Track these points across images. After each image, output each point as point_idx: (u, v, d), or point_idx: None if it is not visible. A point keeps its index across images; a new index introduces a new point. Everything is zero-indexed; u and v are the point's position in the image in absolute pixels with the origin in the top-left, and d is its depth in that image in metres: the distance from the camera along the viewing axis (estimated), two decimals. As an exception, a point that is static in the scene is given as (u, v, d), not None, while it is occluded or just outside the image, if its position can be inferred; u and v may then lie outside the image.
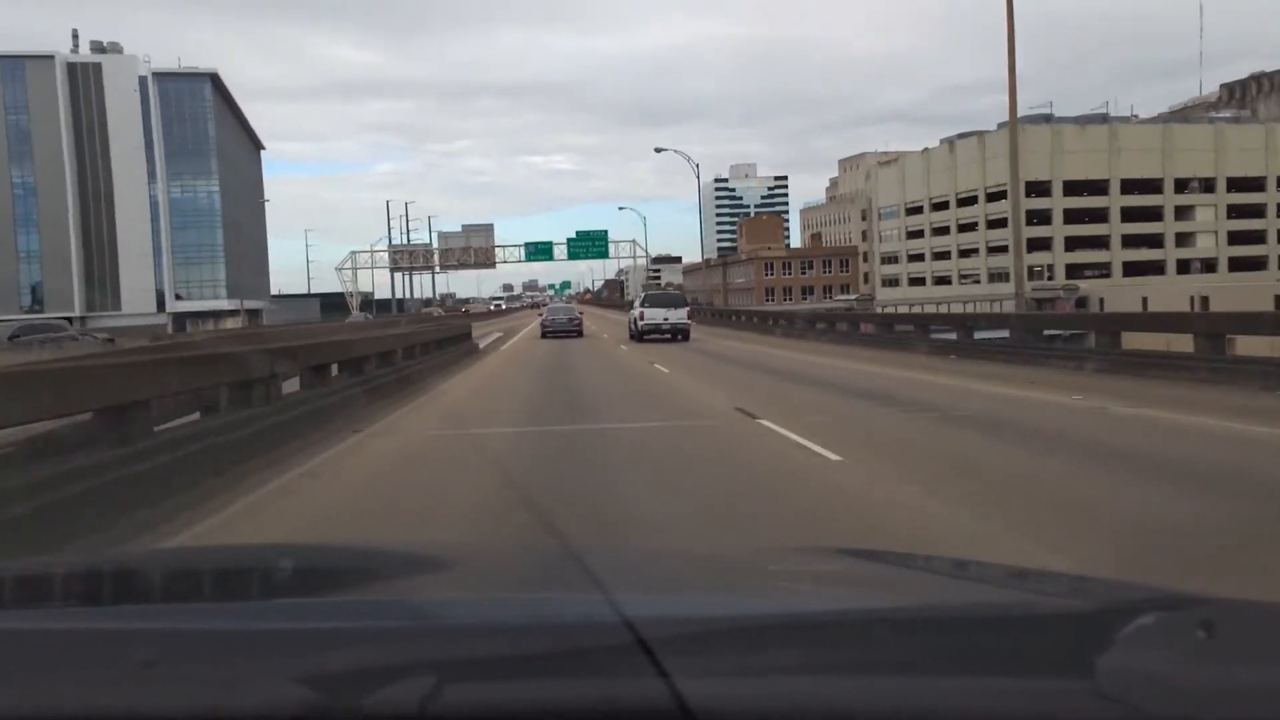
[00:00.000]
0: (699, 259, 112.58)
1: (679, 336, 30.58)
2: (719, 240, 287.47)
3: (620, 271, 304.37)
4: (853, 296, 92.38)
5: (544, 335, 35.90)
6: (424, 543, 3.46)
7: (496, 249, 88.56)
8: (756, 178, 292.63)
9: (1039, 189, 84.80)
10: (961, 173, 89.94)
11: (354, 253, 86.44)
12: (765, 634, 0.98)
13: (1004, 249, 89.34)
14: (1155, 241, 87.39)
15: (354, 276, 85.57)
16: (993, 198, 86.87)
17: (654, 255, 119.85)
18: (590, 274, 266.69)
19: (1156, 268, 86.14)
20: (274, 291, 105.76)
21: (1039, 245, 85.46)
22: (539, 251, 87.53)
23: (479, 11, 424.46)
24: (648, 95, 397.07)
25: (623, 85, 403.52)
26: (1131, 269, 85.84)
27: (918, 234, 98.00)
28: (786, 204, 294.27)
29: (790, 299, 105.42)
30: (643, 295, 37.09)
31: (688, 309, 32.87)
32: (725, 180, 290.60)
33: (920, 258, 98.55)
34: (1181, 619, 0.99)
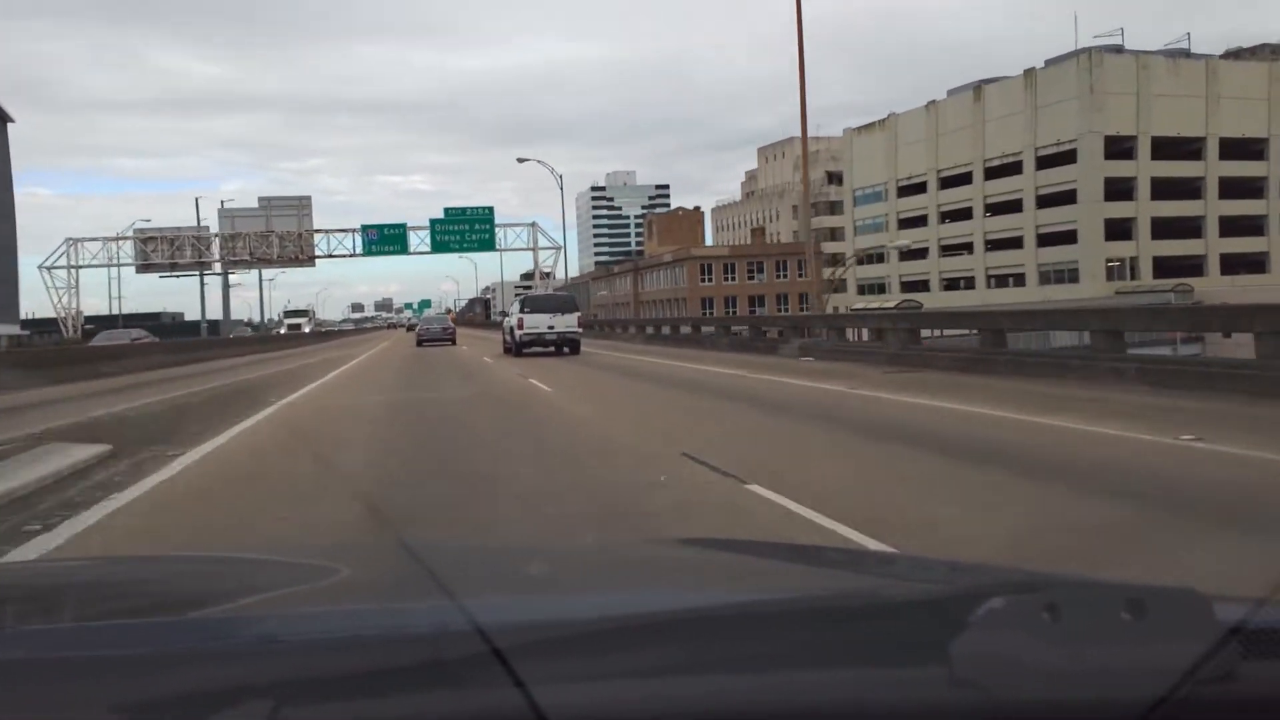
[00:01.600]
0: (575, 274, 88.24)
1: (566, 349, 25.16)
2: (596, 255, 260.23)
3: (486, 289, 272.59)
4: (888, 304, 63.80)
5: (420, 344, 38.13)
6: (256, 552, 3.07)
7: (317, 236, 56.68)
8: (636, 186, 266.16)
9: (1120, 148, 59.31)
10: (994, 130, 63.88)
11: (72, 242, 52.88)
12: (622, 635, 0.94)
13: (1062, 237, 64.15)
14: (1255, 227, 63.48)
15: (72, 279, 52.01)
16: (1046, 162, 60.94)
17: (522, 272, 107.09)
18: (458, 289, 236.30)
19: (1257, 264, 62.15)
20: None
21: (1118, 232, 59.80)
22: (386, 240, 56.20)
23: (336, 26, 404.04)
24: (512, 115, 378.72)
25: (486, 105, 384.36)
26: (1228, 264, 61.56)
27: (917, 220, 71.59)
28: (668, 208, 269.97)
29: (731, 309, 77.44)
30: (520, 299, 28.30)
31: (578, 315, 26.42)
32: (603, 189, 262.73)
33: (920, 254, 72.09)
34: (1028, 602, 1.00)
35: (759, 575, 1.60)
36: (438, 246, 56.05)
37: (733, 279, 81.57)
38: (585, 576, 1.63)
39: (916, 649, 0.91)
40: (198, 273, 59.57)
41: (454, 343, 38.03)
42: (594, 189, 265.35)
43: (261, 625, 1.17)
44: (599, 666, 0.88)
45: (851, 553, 3.15)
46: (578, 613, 1.16)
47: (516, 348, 25.61)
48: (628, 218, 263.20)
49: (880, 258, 76.09)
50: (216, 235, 56.10)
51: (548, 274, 61.89)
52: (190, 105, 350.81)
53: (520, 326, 25.71)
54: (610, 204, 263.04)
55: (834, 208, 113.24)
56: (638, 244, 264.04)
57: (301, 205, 56.77)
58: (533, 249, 59.87)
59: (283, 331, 63.40)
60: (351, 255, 55.99)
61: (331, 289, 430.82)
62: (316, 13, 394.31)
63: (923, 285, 71.20)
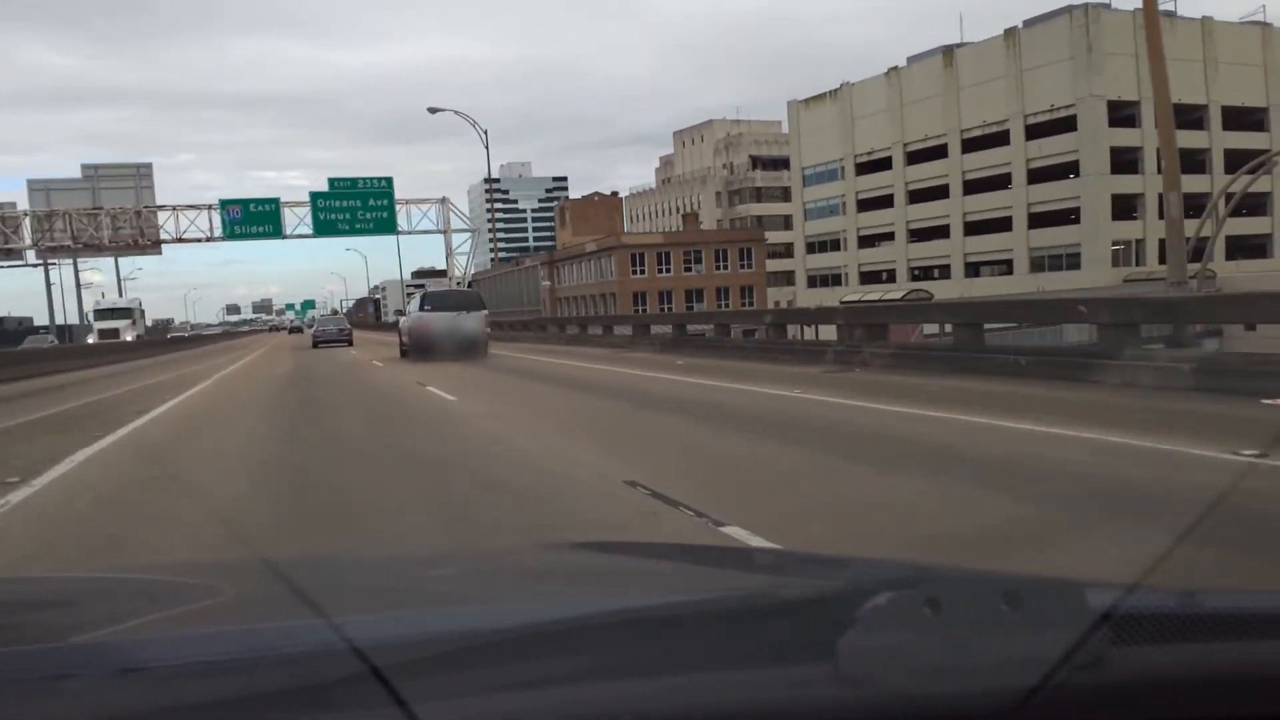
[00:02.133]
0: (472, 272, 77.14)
1: (474, 351, 21.56)
2: (491, 251, 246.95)
3: (374, 289, 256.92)
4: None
5: (315, 345, 37.17)
6: (108, 571, 2.97)
7: (162, 215, 44.29)
8: (532, 178, 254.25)
9: (1120, 115, 51.86)
10: (972, 97, 55.77)
11: None
12: (508, 646, 0.92)
13: (1059, 217, 55.76)
14: (1259, 205, 57.10)
15: None
16: (1038, 131, 53.12)
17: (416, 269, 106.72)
18: (345, 288, 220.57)
19: (1258, 248, 55.78)
20: None
21: (1121, 211, 52.36)
22: (254, 220, 44.19)
23: (206, 19, 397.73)
24: (393, 112, 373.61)
25: (369, 101, 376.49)
26: (1232, 248, 54.91)
27: (880, 201, 63.16)
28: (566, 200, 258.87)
29: (666, 305, 67.76)
30: (419, 295, 25.23)
31: (485, 313, 23.28)
32: (497, 181, 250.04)
33: (885, 238, 63.66)
34: (910, 597, 1.02)
35: (647, 579, 1.58)
36: (322, 228, 44.26)
37: (667, 270, 71.73)
38: (468, 586, 1.56)
39: (804, 647, 0.91)
40: (21, 263, 46.59)
41: (350, 344, 37.30)
42: (487, 181, 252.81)
43: (117, 651, 1.07)
44: (484, 680, 0.85)
45: (741, 551, 3.17)
46: (460, 625, 1.12)
47: (415, 350, 22.31)
48: (524, 211, 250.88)
49: (835, 244, 67.48)
50: (28, 214, 43.10)
51: (464, 260, 50.95)
52: (49, 100, 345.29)
53: (419, 327, 22.41)
54: (506, 197, 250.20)
55: (760, 194, 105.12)
56: (536, 239, 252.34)
57: (141, 175, 44.23)
58: (444, 231, 48.67)
59: (92, 340, 45.19)
60: (207, 239, 43.70)
61: (206, 290, 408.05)
62: (185, 4, 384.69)
63: (887, 275, 62.82)
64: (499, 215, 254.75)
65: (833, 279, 67.17)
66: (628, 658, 0.92)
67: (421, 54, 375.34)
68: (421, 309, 22.97)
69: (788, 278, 74.39)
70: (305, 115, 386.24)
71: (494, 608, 1.32)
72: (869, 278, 63.91)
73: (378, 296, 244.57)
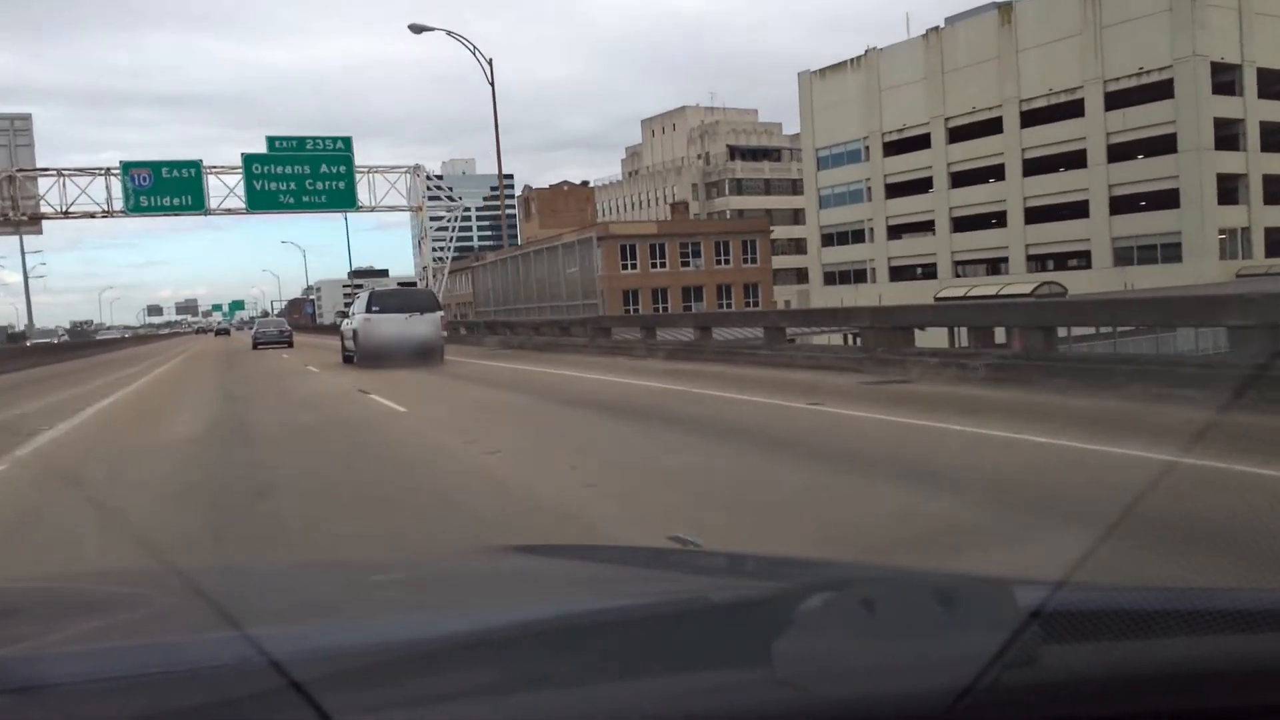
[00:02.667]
0: (411, 274, 71.87)
1: (429, 357, 19.05)
2: (435, 252, 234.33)
3: (308, 289, 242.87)
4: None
5: (255, 346, 37.73)
6: (3, 580, 2.71)
7: (44, 182, 33.59)
8: (476, 175, 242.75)
9: (1220, 80, 44.01)
10: (1035, 61, 47.45)
11: None
12: (436, 657, 0.90)
13: (1152, 200, 43.59)
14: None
15: None
16: (1120, 100, 45.02)
17: (352, 269, 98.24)
18: (279, 287, 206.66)
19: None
20: None
21: (1225, 194, 44.43)
22: (168, 189, 33.68)
23: (126, 14, 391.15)
24: (321, 110, 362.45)
25: (297, 100, 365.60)
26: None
27: (915, 185, 54.64)
28: (514, 203, 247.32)
29: (662, 304, 58.62)
30: (364, 295, 22.01)
31: (440, 314, 20.66)
32: (439, 179, 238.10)
33: (921, 228, 55.14)
34: (845, 598, 1.03)
35: (579, 583, 1.56)
36: (259, 200, 33.83)
37: (661, 264, 62.33)
38: (396, 593, 1.50)
39: (739, 651, 0.91)
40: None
41: (290, 344, 38.24)
42: (429, 179, 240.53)
43: (14, 667, 1.00)
44: (410, 692, 0.83)
45: (674, 554, 3.04)
46: (386, 635, 1.08)
47: (361, 356, 19.43)
48: (469, 210, 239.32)
49: (858, 235, 58.80)
50: None
51: (441, 247, 41.39)
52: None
53: (364, 331, 19.40)
54: (449, 195, 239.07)
55: (741, 186, 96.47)
56: (482, 238, 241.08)
57: (17, 130, 33.41)
58: (415, 209, 38.72)
59: None
60: (104, 214, 32.98)
61: (129, 291, 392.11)
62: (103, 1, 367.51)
63: (923, 270, 54.33)
64: (440, 213, 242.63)
65: (855, 274, 58.48)
66: (559, 666, 0.90)
67: (346, 52, 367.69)
68: (369, 310, 19.88)
69: (798, 274, 65.66)
70: (232, 113, 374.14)
71: (421, 616, 1.28)
72: (901, 273, 55.38)
73: (312, 298, 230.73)
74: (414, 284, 47.67)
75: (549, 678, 0.87)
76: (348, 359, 20.98)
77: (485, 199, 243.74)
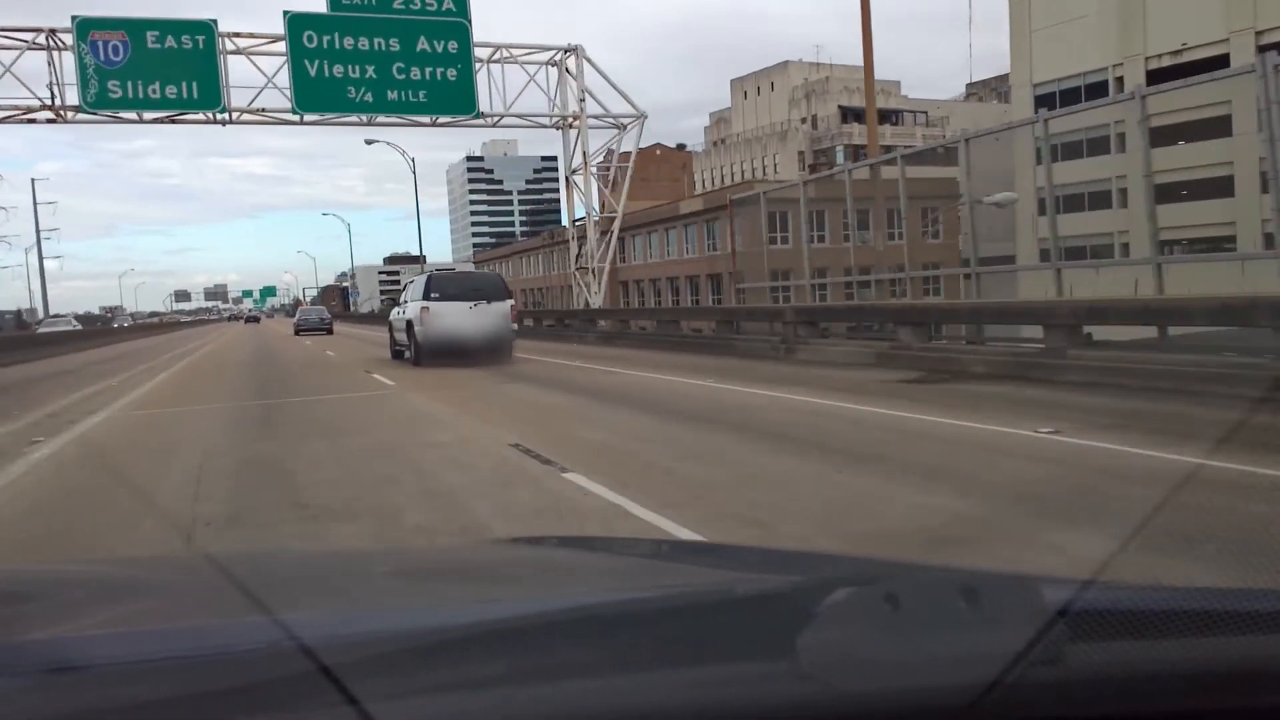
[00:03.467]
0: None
1: (499, 354, 16.56)
2: (475, 238, 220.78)
3: (343, 276, 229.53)
4: None
5: (297, 332, 40.73)
6: (38, 565, 2.74)
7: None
8: (519, 157, 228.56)
9: None
10: None
11: None
12: (462, 644, 0.91)
13: None
14: None
15: None
16: None
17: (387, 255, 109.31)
18: (314, 273, 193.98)
19: None
20: None
21: None
22: (154, 72, 18.95)
23: None
24: None
25: None
26: None
27: (1196, 129, 39.58)
28: (557, 187, 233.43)
29: (820, 294, 43.90)
30: (424, 278, 18.12)
31: (511, 303, 17.55)
32: (480, 160, 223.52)
33: (1206, 186, 40.13)
34: (869, 593, 1.03)
35: (601, 575, 1.57)
36: (313, 97, 19.50)
37: (821, 237, 47.69)
38: (418, 583, 1.53)
39: (762, 644, 0.90)
40: None
41: (330, 332, 40.11)
42: (470, 160, 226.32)
43: (49, 649, 1.02)
44: (438, 679, 0.84)
45: (697, 546, 3.04)
46: (412, 623, 1.10)
47: (418, 352, 16.45)
48: (510, 193, 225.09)
49: (1100, 199, 43.79)
50: None
51: (604, 165, 27.45)
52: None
53: (423, 321, 16.39)
54: (490, 178, 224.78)
55: (858, 154, 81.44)
56: (524, 225, 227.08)
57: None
58: (569, 121, 24.27)
59: None
60: (48, 111, 18.80)
61: (161, 279, 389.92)
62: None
63: (1208, 244, 39.33)
64: (482, 197, 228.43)
65: (1092, 251, 43.52)
66: (582, 656, 0.91)
67: None
68: (427, 298, 16.67)
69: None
70: (266, 98, 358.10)
71: (446, 605, 1.30)
72: (1167, 248, 40.40)
73: (346, 285, 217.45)
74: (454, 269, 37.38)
75: (570, 668, 0.87)
76: (398, 354, 18.42)
77: (528, 181, 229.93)
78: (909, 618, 0.93)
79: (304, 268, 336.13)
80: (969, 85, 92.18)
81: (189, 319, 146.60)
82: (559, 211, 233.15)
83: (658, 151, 79.27)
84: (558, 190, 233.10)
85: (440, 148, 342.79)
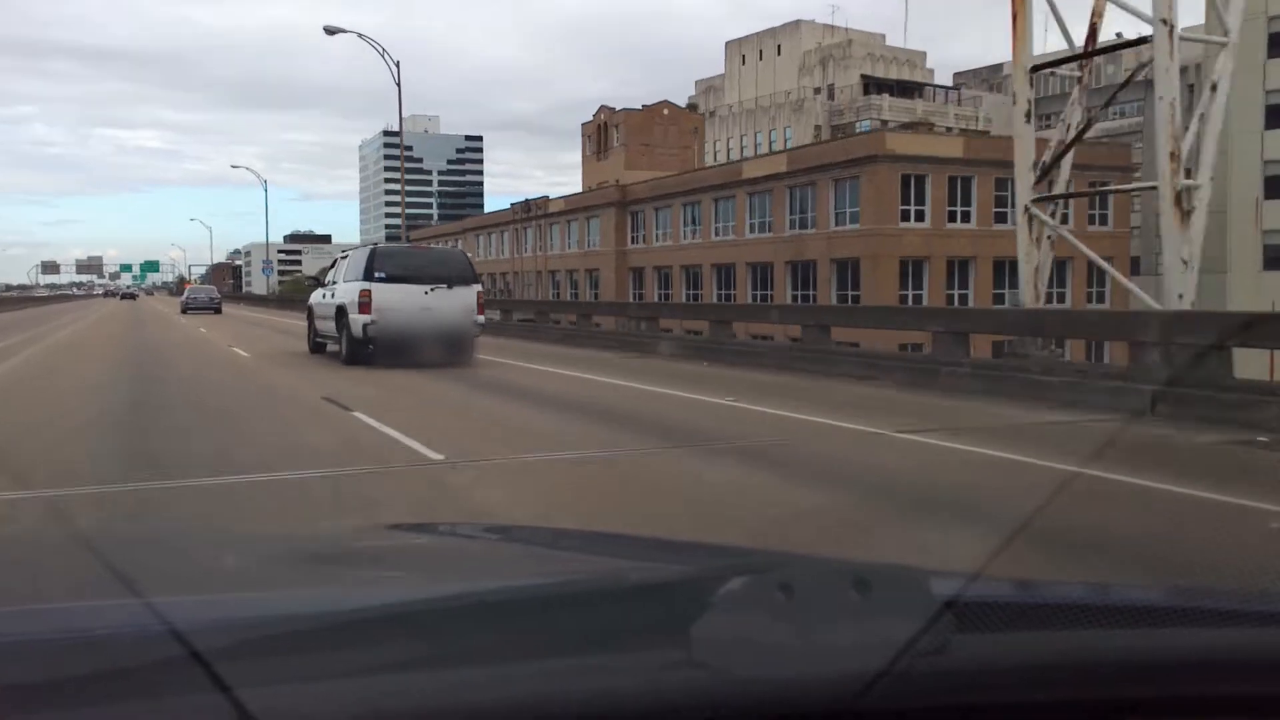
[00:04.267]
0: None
1: (458, 353, 14.06)
2: (388, 220, 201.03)
3: (235, 253, 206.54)
4: None
5: (184, 311, 41.40)
6: None
7: None
8: (441, 136, 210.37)
9: None
10: None
11: None
12: (339, 630, 0.89)
13: None
14: None
15: None
16: None
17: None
18: (199, 251, 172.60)
19: None
20: None
21: None
22: None
23: None
24: (256, 76, 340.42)
25: (228, 62, 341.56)
26: None
27: None
28: (481, 170, 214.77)
29: (914, 289, 30.86)
30: (364, 252, 14.83)
31: (478, 288, 14.39)
32: (394, 135, 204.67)
33: None
34: (764, 581, 1.05)
35: (491, 562, 1.54)
36: None
37: (921, 207, 33.81)
38: (297, 566, 1.45)
39: (656, 632, 0.91)
40: None
41: (219, 311, 41.49)
42: (387, 134, 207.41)
43: None
44: (314, 666, 0.82)
45: (590, 535, 2.76)
46: (288, 608, 1.07)
47: (352, 348, 13.56)
48: (430, 173, 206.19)
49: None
50: None
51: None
52: None
53: (359, 306, 13.35)
54: (409, 156, 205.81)
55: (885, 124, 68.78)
56: (444, 208, 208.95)
57: None
58: None
59: None
60: None
61: (37, 250, 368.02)
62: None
63: None
64: (397, 178, 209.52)
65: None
66: (469, 644, 0.88)
67: (284, 16, 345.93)
68: (369, 277, 13.44)
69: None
70: (159, 72, 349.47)
71: (327, 589, 1.24)
72: None
73: (239, 263, 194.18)
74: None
75: (456, 656, 0.85)
76: (318, 347, 15.55)
77: (450, 161, 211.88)
78: (802, 607, 0.94)
79: (194, 242, 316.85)
80: (957, 75, 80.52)
81: (45, 293, 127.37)
82: (481, 195, 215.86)
83: (665, 111, 64.48)
84: (481, 172, 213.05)
85: (352, 130, 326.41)
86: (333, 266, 16.52)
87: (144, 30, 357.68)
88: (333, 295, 14.84)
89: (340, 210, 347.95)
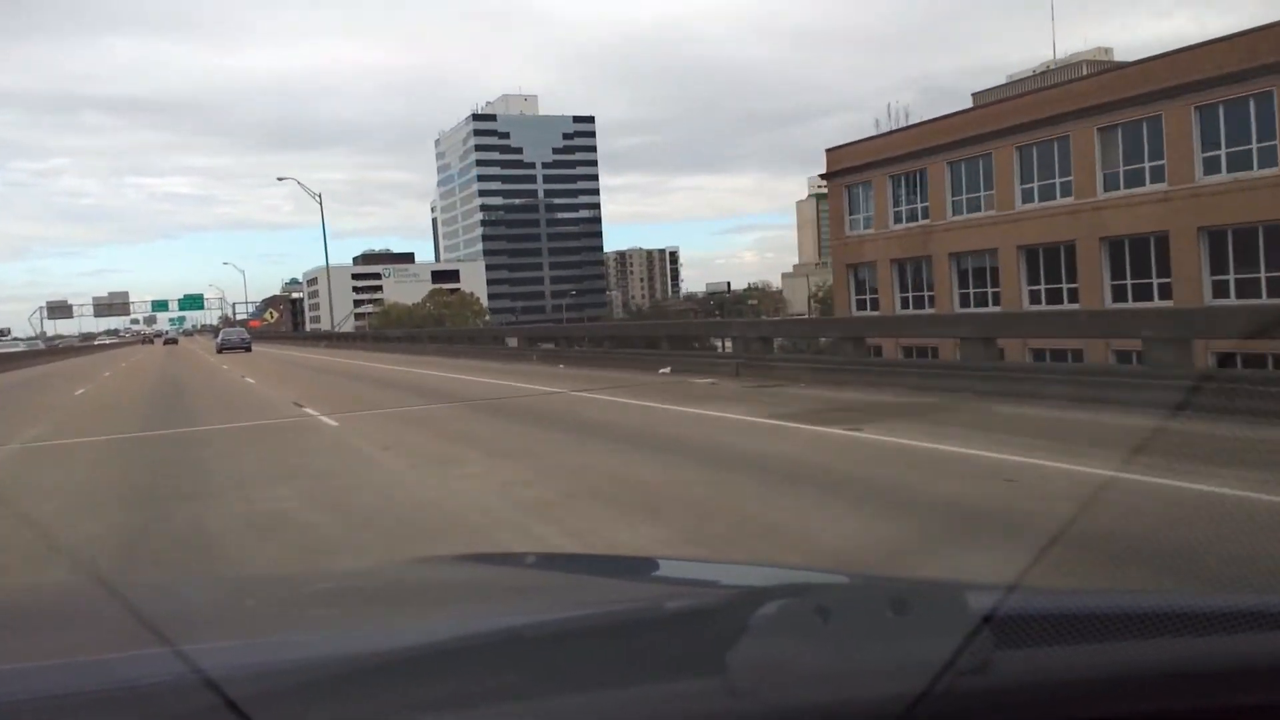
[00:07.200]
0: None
1: None
2: (484, 226, 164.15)
3: (293, 283, 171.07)
4: None
5: (219, 351, 47.72)
6: None
7: None
8: (540, 118, 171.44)
9: None
10: None
11: None
12: (372, 673, 0.88)
13: None
14: None
15: None
16: None
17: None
18: (236, 292, 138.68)
19: None
20: None
21: None
22: None
23: (84, 16, 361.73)
24: (281, 118, 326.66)
25: (255, 107, 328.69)
26: None
27: None
28: (595, 157, 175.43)
29: None
30: None
31: None
32: (490, 120, 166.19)
33: None
34: (799, 605, 1.04)
35: (527, 593, 1.52)
36: None
37: None
38: (329, 608, 1.44)
39: (693, 660, 0.89)
40: None
41: (249, 350, 47.73)
42: (477, 119, 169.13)
43: None
44: (348, 711, 0.81)
45: (626, 560, 2.82)
46: (320, 650, 1.05)
47: None
48: (533, 165, 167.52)
49: None
50: None
51: None
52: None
53: None
54: (503, 143, 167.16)
55: None
56: (549, 208, 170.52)
57: None
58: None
59: None
60: None
61: (72, 300, 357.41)
62: (57, 3, 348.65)
63: None
64: (493, 166, 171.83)
65: None
66: (508, 678, 0.88)
67: (309, 60, 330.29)
68: None
69: None
70: (189, 120, 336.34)
71: (359, 630, 1.24)
72: None
73: (297, 295, 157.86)
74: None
75: (495, 693, 0.84)
76: None
77: (555, 150, 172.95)
78: (839, 629, 0.93)
79: (230, 284, 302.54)
80: None
81: (41, 345, 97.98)
82: (596, 187, 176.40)
83: None
84: (595, 162, 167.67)
85: (373, 167, 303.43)
86: None
87: (171, 79, 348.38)
88: None
89: (369, 243, 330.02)
